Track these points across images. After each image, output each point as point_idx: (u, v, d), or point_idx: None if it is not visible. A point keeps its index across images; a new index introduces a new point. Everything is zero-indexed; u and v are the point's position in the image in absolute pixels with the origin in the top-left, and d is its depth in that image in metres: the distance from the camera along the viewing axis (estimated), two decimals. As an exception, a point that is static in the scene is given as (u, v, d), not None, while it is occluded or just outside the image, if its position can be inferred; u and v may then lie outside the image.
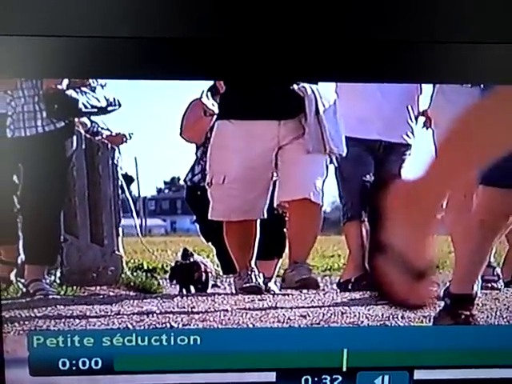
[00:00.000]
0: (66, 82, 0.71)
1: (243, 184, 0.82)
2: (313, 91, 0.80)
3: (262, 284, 0.82)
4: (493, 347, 0.64)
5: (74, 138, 0.76)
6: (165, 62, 0.57)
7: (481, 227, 0.72)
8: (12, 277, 0.72)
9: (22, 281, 0.73)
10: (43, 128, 0.71)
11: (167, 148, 0.75)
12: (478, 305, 0.72)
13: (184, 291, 0.81)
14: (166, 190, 0.91)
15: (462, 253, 0.72)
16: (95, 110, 0.73)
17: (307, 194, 0.81)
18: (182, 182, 0.87)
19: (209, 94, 0.81)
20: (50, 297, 0.72)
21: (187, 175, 0.86)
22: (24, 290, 0.72)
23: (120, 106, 0.72)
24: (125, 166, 0.81)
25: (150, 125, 0.71)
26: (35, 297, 0.72)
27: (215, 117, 0.82)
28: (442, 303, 0.71)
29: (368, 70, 0.58)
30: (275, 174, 0.83)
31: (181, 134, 0.79)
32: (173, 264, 0.82)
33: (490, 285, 0.76)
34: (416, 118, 0.82)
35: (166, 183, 0.91)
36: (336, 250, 0.85)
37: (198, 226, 0.85)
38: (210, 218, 0.80)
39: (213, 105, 0.81)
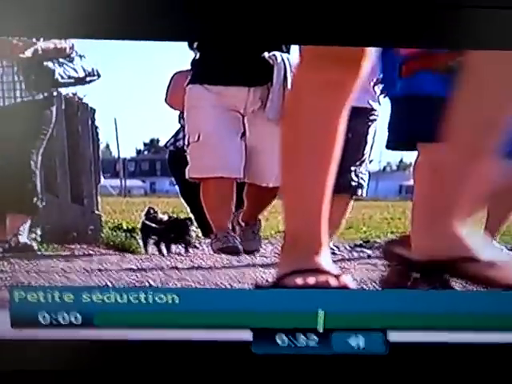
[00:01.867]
0: (43, 52, 0.71)
1: (217, 140, 0.83)
2: (283, 60, 0.81)
3: (239, 245, 0.83)
4: (469, 312, 0.65)
5: (54, 108, 0.76)
6: (142, 23, 0.57)
7: None
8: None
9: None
10: (22, 99, 0.71)
11: (147, 111, 0.76)
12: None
13: (162, 251, 0.82)
14: (146, 152, 0.91)
15: None
16: (73, 80, 0.73)
17: (269, 183, 0.83)
18: (161, 145, 0.88)
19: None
20: (32, 253, 0.73)
21: (169, 141, 0.87)
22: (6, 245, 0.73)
23: (99, 76, 0.72)
24: (104, 127, 0.82)
25: (131, 89, 0.72)
26: (17, 252, 0.73)
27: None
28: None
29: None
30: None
31: (166, 101, 0.79)
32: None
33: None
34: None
35: (145, 145, 0.91)
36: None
37: (178, 189, 0.86)
38: (187, 177, 0.81)
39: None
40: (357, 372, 0.66)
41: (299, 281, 0.66)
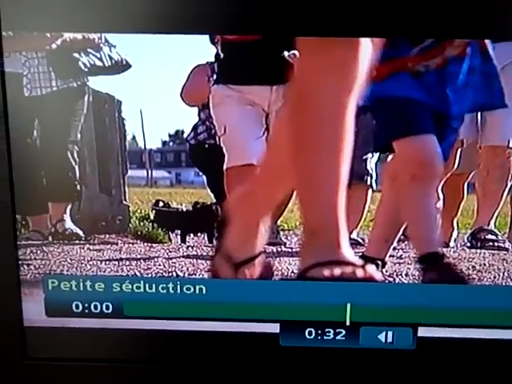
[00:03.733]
0: (73, 42, 0.72)
1: (240, 133, 0.84)
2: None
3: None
4: (502, 307, 0.65)
5: (85, 98, 0.77)
6: (168, 17, 0.57)
7: None
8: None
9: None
10: (57, 87, 0.73)
11: (173, 103, 0.76)
12: (485, 265, 0.74)
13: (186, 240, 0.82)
14: (171, 143, 0.92)
15: None
16: (104, 70, 0.74)
17: None
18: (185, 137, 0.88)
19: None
20: (64, 242, 0.74)
21: (189, 135, 0.88)
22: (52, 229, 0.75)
23: (130, 66, 0.73)
24: (130, 119, 0.82)
25: (157, 80, 0.72)
26: (52, 240, 0.74)
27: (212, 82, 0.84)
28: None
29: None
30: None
31: (181, 96, 0.80)
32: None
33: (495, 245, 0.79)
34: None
35: (170, 136, 0.92)
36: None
37: (205, 179, 0.87)
38: (224, 168, 0.82)
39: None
40: (384, 366, 0.67)
41: (325, 272, 0.66)
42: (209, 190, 0.86)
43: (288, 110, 0.69)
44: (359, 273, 0.66)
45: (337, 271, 0.66)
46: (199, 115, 0.86)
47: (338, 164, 0.66)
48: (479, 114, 0.79)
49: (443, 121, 0.73)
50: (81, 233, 0.75)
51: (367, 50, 0.62)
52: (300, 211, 0.70)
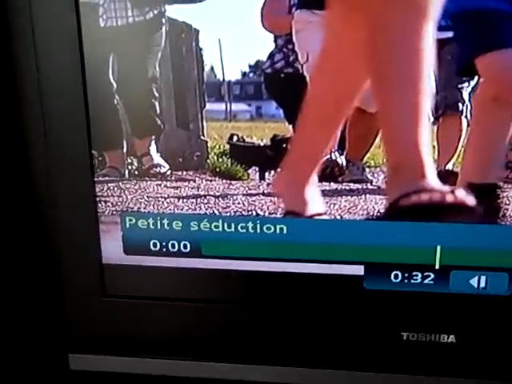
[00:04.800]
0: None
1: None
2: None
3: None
4: None
5: (163, 28, 0.74)
6: None
7: None
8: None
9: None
10: (133, 18, 0.70)
11: (252, 32, 0.72)
12: None
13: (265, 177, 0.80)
14: (251, 74, 0.88)
15: None
16: None
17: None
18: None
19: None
20: (137, 179, 0.73)
21: (265, 63, 0.84)
22: (138, 165, 0.74)
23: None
24: (208, 49, 0.79)
25: (236, 9, 0.68)
26: (136, 175, 0.73)
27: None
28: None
29: None
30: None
31: (263, 24, 0.76)
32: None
33: None
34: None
35: (250, 67, 0.88)
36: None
37: (282, 112, 0.83)
38: None
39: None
40: (475, 313, 0.63)
41: (412, 200, 0.62)
42: (287, 123, 0.82)
43: (362, 38, 0.65)
44: (449, 198, 0.62)
45: (424, 197, 0.62)
46: (275, 42, 0.82)
47: (418, 98, 0.62)
48: None
49: None
50: (167, 167, 0.74)
51: None
52: (383, 146, 0.67)
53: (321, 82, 0.70)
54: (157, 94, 0.75)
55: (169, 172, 0.74)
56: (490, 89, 0.68)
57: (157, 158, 0.75)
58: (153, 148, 0.76)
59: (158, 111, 0.76)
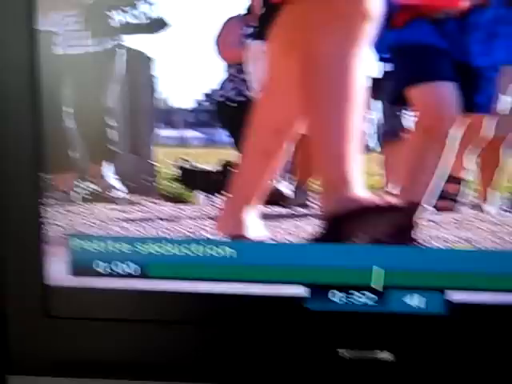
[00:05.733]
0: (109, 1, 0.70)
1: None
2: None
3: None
4: None
5: (120, 57, 0.76)
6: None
7: None
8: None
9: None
10: (92, 47, 0.72)
11: (206, 61, 0.74)
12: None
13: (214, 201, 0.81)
14: (204, 102, 0.90)
15: None
16: (139, 29, 0.73)
17: None
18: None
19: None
20: (87, 202, 0.74)
21: (216, 91, 0.86)
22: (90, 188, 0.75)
23: (166, 25, 0.71)
24: (162, 77, 0.81)
25: (190, 38, 0.70)
26: (75, 200, 0.74)
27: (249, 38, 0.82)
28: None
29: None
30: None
31: (219, 53, 0.78)
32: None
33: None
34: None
35: (203, 95, 0.90)
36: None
37: (232, 140, 0.85)
38: None
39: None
40: (414, 332, 0.65)
41: (341, 211, 0.64)
42: (237, 152, 0.84)
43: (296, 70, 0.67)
44: (377, 201, 0.65)
45: (352, 206, 0.65)
46: (228, 71, 0.84)
47: (344, 119, 0.64)
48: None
49: (472, 71, 0.70)
50: (121, 190, 0.75)
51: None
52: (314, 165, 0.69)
53: (262, 112, 0.72)
54: (111, 121, 0.77)
55: (122, 195, 0.76)
56: (422, 120, 0.72)
57: (113, 181, 0.76)
58: (107, 172, 0.77)
59: (112, 137, 0.77)
